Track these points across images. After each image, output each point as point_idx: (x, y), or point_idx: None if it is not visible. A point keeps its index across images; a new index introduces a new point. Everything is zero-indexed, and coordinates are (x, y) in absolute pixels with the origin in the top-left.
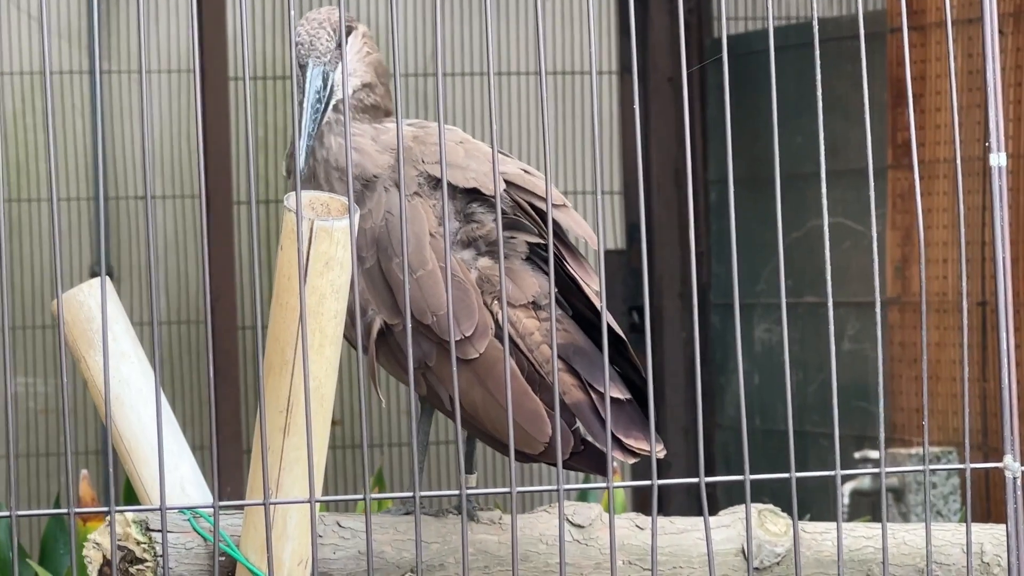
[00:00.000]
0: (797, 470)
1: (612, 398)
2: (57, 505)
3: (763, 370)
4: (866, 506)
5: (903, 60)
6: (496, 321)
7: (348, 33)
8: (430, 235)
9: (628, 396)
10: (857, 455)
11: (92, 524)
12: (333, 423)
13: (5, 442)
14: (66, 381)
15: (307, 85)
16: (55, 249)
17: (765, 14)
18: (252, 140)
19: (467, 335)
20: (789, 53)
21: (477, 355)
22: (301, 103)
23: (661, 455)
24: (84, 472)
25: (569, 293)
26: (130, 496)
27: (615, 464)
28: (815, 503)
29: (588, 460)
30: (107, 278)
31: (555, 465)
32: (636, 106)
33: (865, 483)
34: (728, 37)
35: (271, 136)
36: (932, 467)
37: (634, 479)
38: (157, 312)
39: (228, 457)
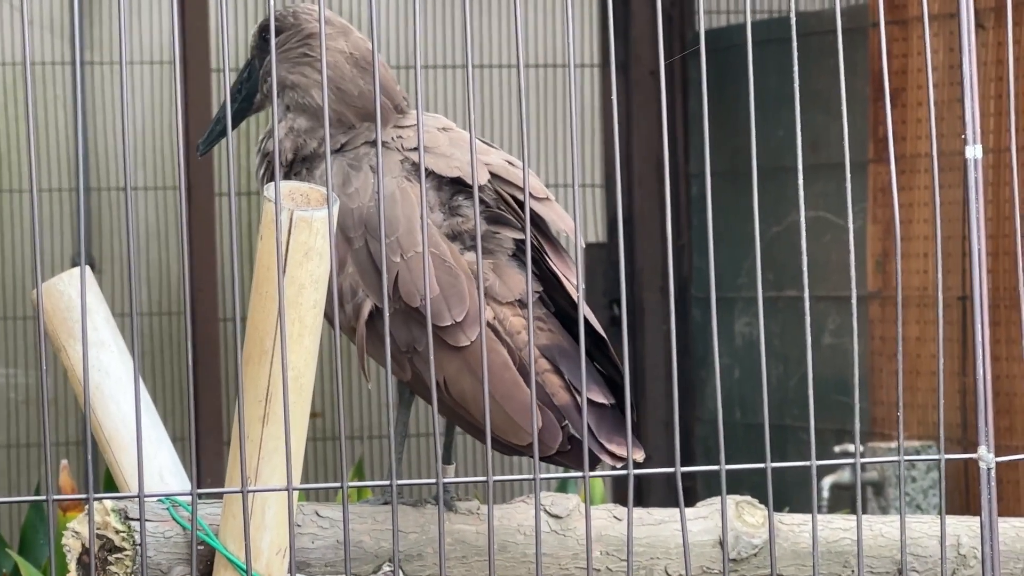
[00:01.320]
0: (777, 463)
1: (596, 403)
2: (38, 495)
3: (744, 364)
4: (847, 500)
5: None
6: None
7: (279, 32)
8: (421, 219)
9: (612, 401)
10: (837, 449)
11: (72, 514)
12: (313, 415)
13: None
14: (46, 369)
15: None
16: (35, 239)
17: (757, 7)
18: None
19: (457, 320)
20: (771, 47)
21: (468, 343)
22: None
23: (639, 459)
24: (64, 462)
25: (552, 289)
26: (110, 486)
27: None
28: (795, 496)
29: (575, 458)
30: (88, 268)
31: (543, 459)
32: (614, 98)
33: (845, 477)
34: (710, 31)
35: (253, 128)
36: (907, 458)
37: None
38: (136, 303)
39: (209, 448)
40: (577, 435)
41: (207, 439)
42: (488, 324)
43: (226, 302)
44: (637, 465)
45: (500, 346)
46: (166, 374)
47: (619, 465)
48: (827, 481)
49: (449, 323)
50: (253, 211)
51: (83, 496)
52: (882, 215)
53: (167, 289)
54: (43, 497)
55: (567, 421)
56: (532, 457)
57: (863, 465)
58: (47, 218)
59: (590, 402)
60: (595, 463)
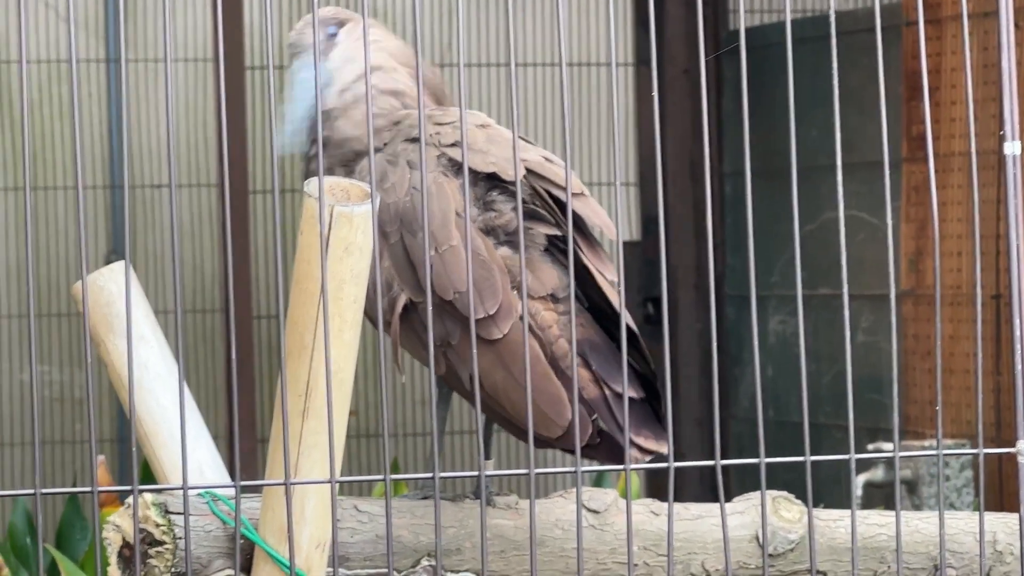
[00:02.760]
0: (816, 456)
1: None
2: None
3: (777, 362)
4: (879, 498)
5: (918, 53)
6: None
7: (341, 25)
8: (456, 214)
9: (642, 395)
10: (870, 447)
11: (108, 509)
12: (349, 413)
13: (21, 428)
14: (91, 361)
15: (294, 78)
16: (80, 234)
17: (782, 7)
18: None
19: (490, 313)
20: (805, 46)
21: (500, 335)
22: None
23: (662, 451)
24: (101, 458)
25: (585, 285)
26: (146, 480)
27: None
28: (828, 494)
29: (604, 452)
30: (129, 263)
31: (571, 452)
32: (655, 93)
33: (878, 475)
34: (744, 29)
35: None
36: (946, 452)
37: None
38: (180, 300)
39: (243, 446)
40: (606, 428)
41: (241, 437)
42: (521, 318)
43: (260, 299)
44: (675, 459)
45: (532, 339)
46: (200, 371)
47: (646, 459)
48: (860, 479)
49: (482, 315)
50: (287, 208)
51: (127, 488)
52: (915, 214)
53: (200, 286)
54: (88, 489)
55: (596, 415)
56: (562, 450)
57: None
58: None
59: (620, 396)
60: (620, 457)
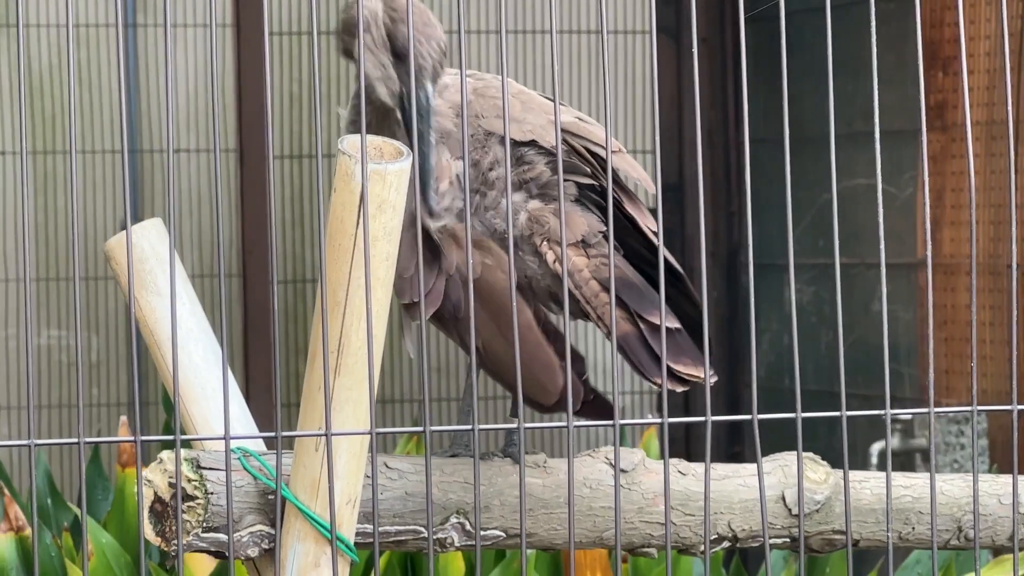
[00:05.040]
0: (830, 429)
1: (657, 326)
2: (96, 454)
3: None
4: (895, 465)
5: (936, 22)
6: (543, 260)
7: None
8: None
9: (678, 325)
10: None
11: (131, 469)
12: None
13: (38, 390)
14: (133, 315)
15: (420, 103)
16: (125, 194)
17: None
18: (317, 94)
19: (415, 300)
20: (823, 15)
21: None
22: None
23: (713, 380)
24: (123, 419)
25: (625, 233)
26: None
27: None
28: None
29: (595, 410)
30: (159, 221)
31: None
32: (695, 61)
33: (894, 443)
34: None
35: (305, 92)
36: (980, 407)
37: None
38: (223, 265)
39: (260, 410)
40: (634, 363)
41: (259, 400)
42: (540, 274)
43: (276, 264)
44: (691, 424)
45: (525, 307)
46: (219, 335)
47: (683, 389)
48: (875, 447)
49: (407, 301)
50: (305, 174)
51: (169, 438)
52: (932, 183)
53: (218, 250)
54: (131, 438)
55: (587, 372)
56: (559, 413)
57: (911, 431)
58: (99, 179)
59: (653, 326)
60: (612, 415)
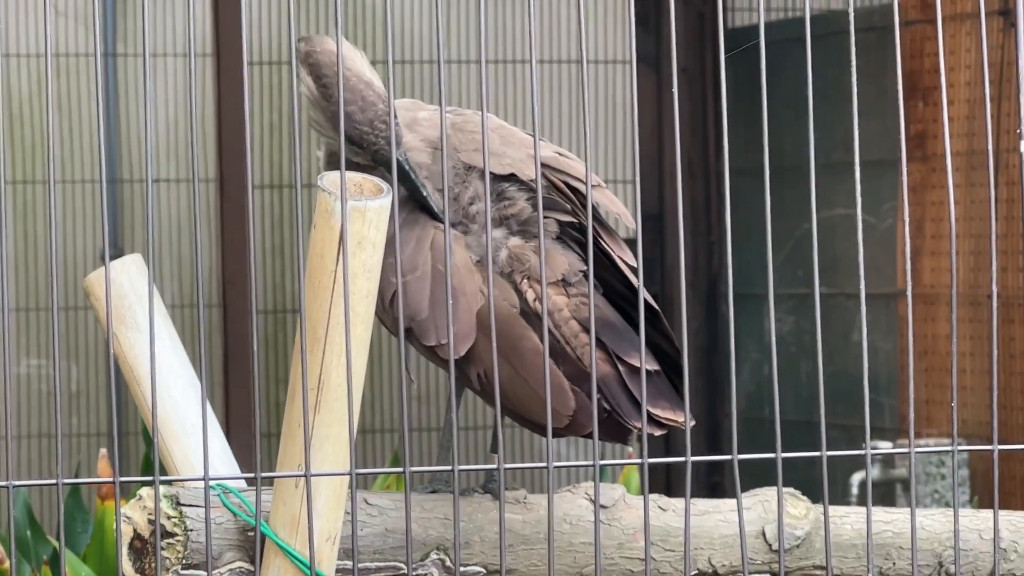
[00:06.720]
0: (810, 460)
1: (637, 368)
2: (76, 486)
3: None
4: (875, 497)
5: (916, 52)
6: (523, 298)
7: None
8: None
9: (656, 367)
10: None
11: (110, 502)
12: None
13: (18, 422)
14: (112, 351)
15: (401, 168)
16: (104, 226)
17: (781, 5)
18: (297, 123)
19: (442, 342)
20: (803, 45)
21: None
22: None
23: (679, 420)
24: (103, 451)
25: (603, 269)
26: (148, 473)
27: (629, 449)
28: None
29: (608, 430)
30: (139, 257)
31: (581, 436)
32: (675, 90)
33: (874, 474)
34: (742, 28)
35: (285, 121)
36: (961, 448)
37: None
38: (203, 295)
39: (239, 440)
40: (612, 406)
41: (238, 431)
42: (523, 310)
43: (258, 295)
44: (693, 452)
45: (532, 332)
46: (199, 369)
47: (661, 432)
48: (855, 478)
49: (434, 343)
50: (285, 204)
51: (148, 479)
52: (912, 213)
53: (197, 281)
54: (110, 479)
55: (600, 396)
56: (570, 436)
57: (891, 461)
58: (79, 209)
59: (631, 368)
60: (621, 435)
